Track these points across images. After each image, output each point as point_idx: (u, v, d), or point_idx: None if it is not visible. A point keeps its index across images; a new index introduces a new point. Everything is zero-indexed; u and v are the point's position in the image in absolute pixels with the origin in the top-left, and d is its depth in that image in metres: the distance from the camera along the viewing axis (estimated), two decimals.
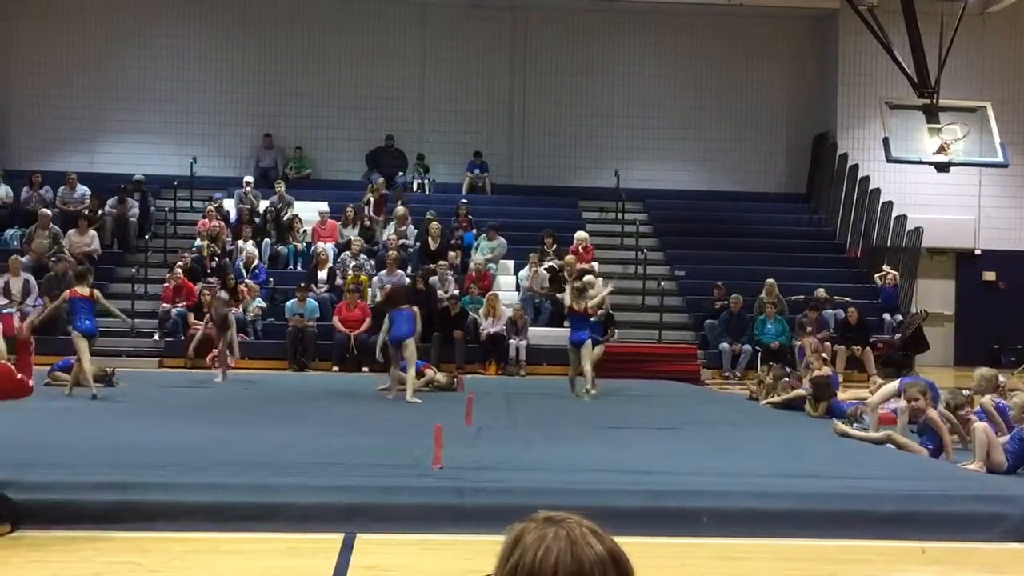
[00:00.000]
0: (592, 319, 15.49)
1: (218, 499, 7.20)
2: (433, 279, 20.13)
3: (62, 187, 22.69)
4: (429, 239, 21.63)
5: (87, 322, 13.62)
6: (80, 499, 7.09)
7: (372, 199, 22.70)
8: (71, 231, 21.36)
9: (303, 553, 6.59)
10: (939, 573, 6.78)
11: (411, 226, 21.98)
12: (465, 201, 23.08)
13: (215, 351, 16.97)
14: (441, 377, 16.03)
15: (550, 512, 1.98)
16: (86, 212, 22.00)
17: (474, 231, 22.41)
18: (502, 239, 22.02)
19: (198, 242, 21.20)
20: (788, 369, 15.88)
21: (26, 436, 9.17)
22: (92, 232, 21.49)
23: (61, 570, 6.15)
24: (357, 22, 25.23)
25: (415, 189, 24.49)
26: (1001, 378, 11.32)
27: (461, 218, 22.55)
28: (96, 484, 7.32)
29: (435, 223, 21.83)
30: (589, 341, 14.88)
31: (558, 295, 15.71)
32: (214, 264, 20.32)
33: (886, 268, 22.05)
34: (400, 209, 22.15)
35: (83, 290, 13.81)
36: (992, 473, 9.15)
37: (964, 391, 11.54)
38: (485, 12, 25.25)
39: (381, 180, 23.57)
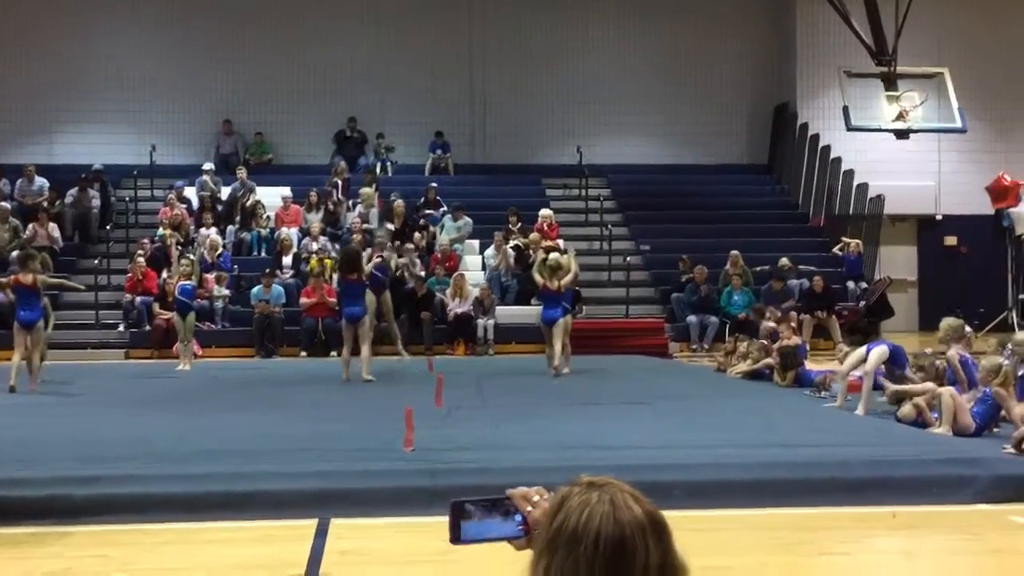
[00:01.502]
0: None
1: (189, 489, 7.16)
2: (402, 260, 20.06)
3: (20, 180, 22.44)
4: (394, 218, 21.56)
5: (23, 312, 13.45)
6: (49, 493, 7.02)
7: (340, 182, 22.59)
8: (32, 224, 21.15)
9: (277, 540, 6.57)
10: (910, 537, 6.84)
11: (375, 208, 21.84)
12: (434, 185, 23.00)
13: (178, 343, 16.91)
14: None
15: (592, 477, 2.04)
16: (45, 204, 21.78)
17: (443, 209, 22.34)
18: (468, 219, 21.98)
19: (160, 231, 21.05)
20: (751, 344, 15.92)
21: None
22: (52, 224, 21.30)
23: (32, 567, 6.10)
24: (315, 4, 25.03)
25: (378, 171, 24.38)
26: (967, 328, 11.33)
27: (430, 201, 22.49)
28: (65, 478, 7.26)
29: (399, 201, 21.78)
30: (561, 320, 14.87)
31: (535, 276, 15.58)
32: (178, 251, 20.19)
33: (844, 239, 22.20)
34: (366, 191, 22.02)
35: (26, 278, 13.63)
36: (960, 436, 9.24)
37: (927, 350, 11.61)
38: None
39: (343, 164, 23.45)
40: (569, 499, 1.99)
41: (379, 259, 15.53)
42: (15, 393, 12.82)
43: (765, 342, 14.79)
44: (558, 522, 1.97)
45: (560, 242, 20.81)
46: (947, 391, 9.63)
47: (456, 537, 2.20)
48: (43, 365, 13.93)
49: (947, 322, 11.17)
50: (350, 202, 22.40)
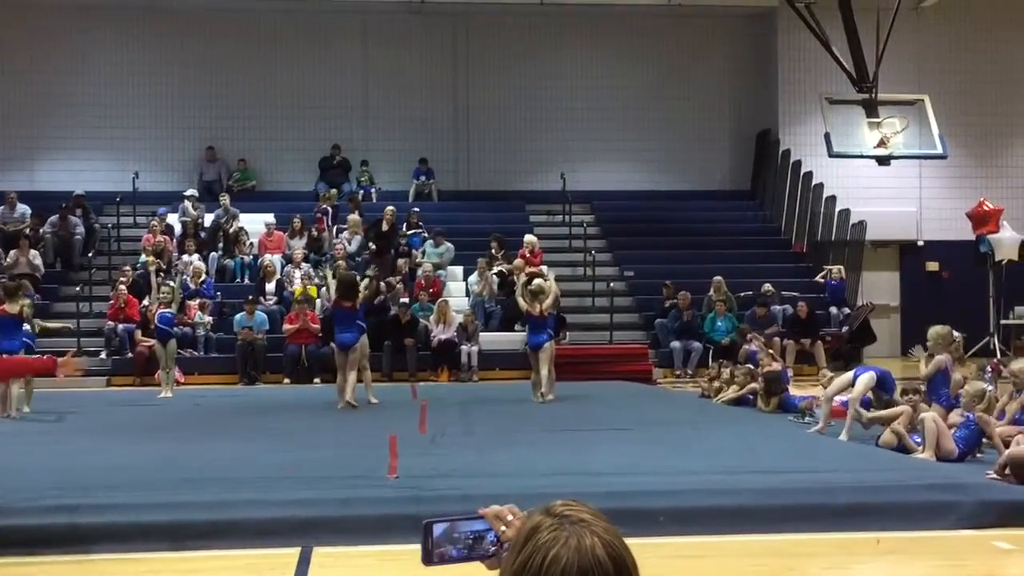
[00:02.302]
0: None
1: (172, 518, 7.11)
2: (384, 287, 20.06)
3: (1, 206, 22.36)
4: (384, 222, 21.72)
5: (5, 342, 13.40)
6: (30, 523, 6.96)
7: (329, 209, 22.62)
8: (12, 251, 21.07)
9: (260, 569, 6.53)
10: (894, 563, 6.84)
11: (359, 236, 21.85)
12: (416, 210, 23.05)
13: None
14: None
15: (567, 506, 2.00)
16: (27, 231, 21.70)
17: (423, 233, 22.35)
18: (449, 244, 22.01)
19: (143, 258, 20.99)
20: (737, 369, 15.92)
21: None
22: (34, 251, 21.21)
23: None
24: (298, 32, 25.08)
25: (361, 198, 24.38)
26: (956, 333, 11.30)
27: (412, 225, 22.51)
28: (46, 507, 7.20)
29: (390, 207, 22.05)
30: (547, 344, 14.87)
31: (519, 301, 15.54)
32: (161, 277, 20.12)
33: (827, 267, 22.30)
34: (354, 218, 22.07)
35: (12, 308, 13.58)
36: (943, 461, 9.25)
37: (917, 352, 11.61)
38: (427, 18, 25.20)
39: (333, 191, 23.49)
40: (539, 533, 1.96)
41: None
42: (2, 421, 12.79)
43: (751, 367, 14.81)
44: (523, 557, 1.95)
45: (544, 268, 20.83)
46: (930, 416, 9.63)
47: (428, 558, 2.17)
48: (31, 392, 13.93)
49: (935, 330, 11.14)
50: (335, 228, 22.39)
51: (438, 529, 2.16)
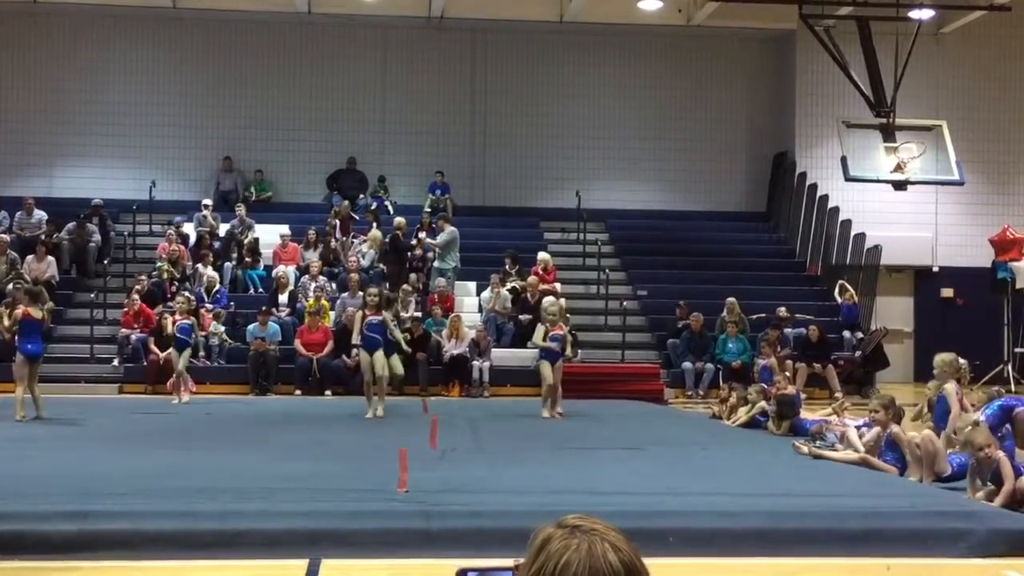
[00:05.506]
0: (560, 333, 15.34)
1: (181, 527, 7.11)
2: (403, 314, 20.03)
3: (19, 212, 22.46)
4: (399, 234, 21.86)
5: (29, 345, 13.46)
6: (39, 528, 6.97)
7: (337, 222, 22.62)
8: (29, 257, 21.14)
9: None
10: None
11: (373, 250, 21.85)
12: (428, 211, 23.06)
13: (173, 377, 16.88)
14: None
15: (580, 518, 2.05)
16: (43, 237, 21.78)
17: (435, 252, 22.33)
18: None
19: (158, 264, 21.06)
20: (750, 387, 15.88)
21: None
22: (49, 258, 21.27)
23: None
24: (317, 45, 25.19)
25: (376, 209, 24.39)
26: (961, 360, 11.27)
27: (424, 226, 22.46)
28: (56, 513, 7.21)
29: (401, 219, 22.16)
30: (549, 363, 14.85)
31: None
32: (174, 288, 20.16)
33: (843, 283, 22.23)
34: (375, 233, 22.06)
35: (35, 312, 13.64)
36: (937, 479, 9.34)
37: (928, 386, 11.63)
38: (445, 34, 25.29)
39: (346, 203, 23.51)
40: (551, 542, 1.99)
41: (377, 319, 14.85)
42: (15, 425, 12.82)
43: (764, 385, 14.79)
44: (538, 565, 1.97)
45: (557, 286, 20.87)
46: (927, 436, 9.68)
47: None
48: (38, 396, 13.96)
49: (941, 357, 11.12)
50: (350, 239, 22.38)
51: None
